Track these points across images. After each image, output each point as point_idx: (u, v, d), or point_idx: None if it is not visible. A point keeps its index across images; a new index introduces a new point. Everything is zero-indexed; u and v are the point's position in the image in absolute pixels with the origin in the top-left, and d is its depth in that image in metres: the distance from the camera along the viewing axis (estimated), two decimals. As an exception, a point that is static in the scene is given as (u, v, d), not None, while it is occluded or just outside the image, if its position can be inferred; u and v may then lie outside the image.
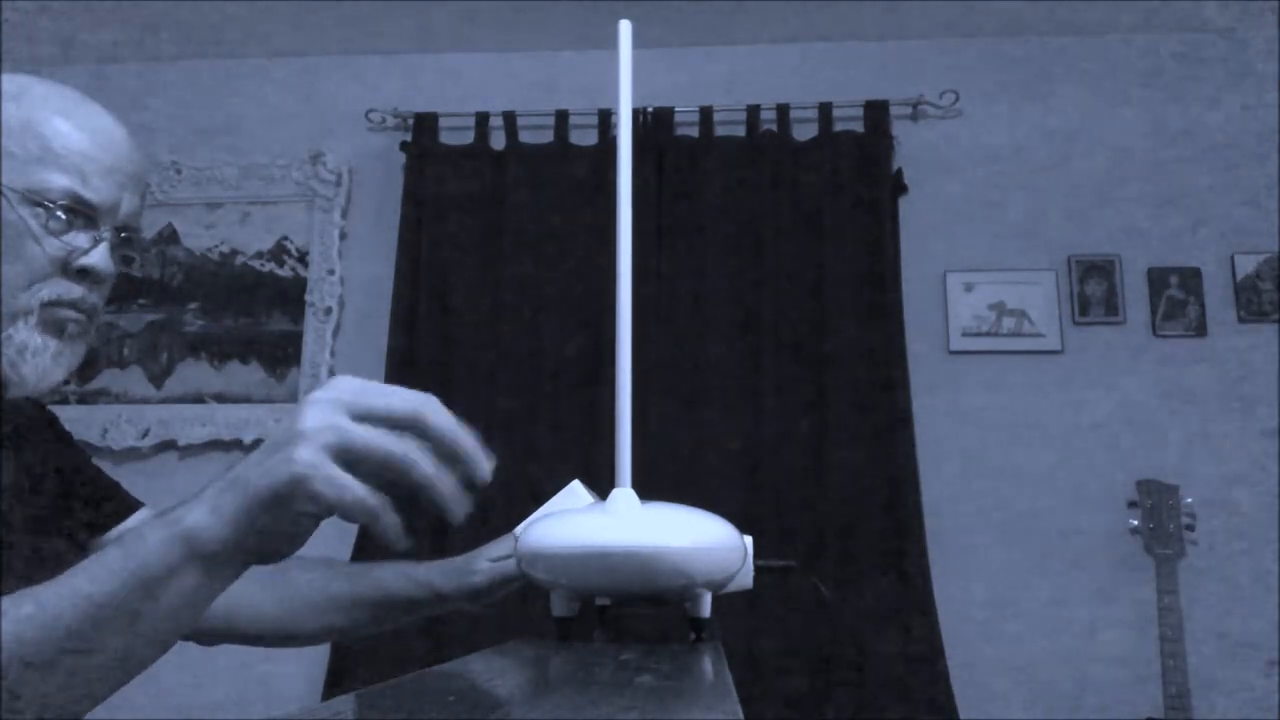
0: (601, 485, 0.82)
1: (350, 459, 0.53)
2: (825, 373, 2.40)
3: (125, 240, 0.85)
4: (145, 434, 2.55)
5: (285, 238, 2.68)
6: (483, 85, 2.72)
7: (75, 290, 0.81)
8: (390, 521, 0.54)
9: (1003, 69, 2.63)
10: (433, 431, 0.55)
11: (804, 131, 2.59)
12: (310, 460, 0.52)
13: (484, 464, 0.56)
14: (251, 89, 2.80)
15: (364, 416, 0.54)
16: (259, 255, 2.68)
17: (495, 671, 0.67)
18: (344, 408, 0.54)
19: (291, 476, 0.52)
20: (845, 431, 2.36)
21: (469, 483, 0.56)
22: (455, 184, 2.60)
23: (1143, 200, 2.51)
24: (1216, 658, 2.21)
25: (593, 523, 0.70)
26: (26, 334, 0.79)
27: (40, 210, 0.78)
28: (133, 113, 0.93)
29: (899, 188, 2.54)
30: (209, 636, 0.98)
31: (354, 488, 0.52)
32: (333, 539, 0.57)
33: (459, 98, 2.69)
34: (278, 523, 0.54)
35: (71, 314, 0.81)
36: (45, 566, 0.81)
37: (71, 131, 0.80)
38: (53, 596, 0.54)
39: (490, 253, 2.56)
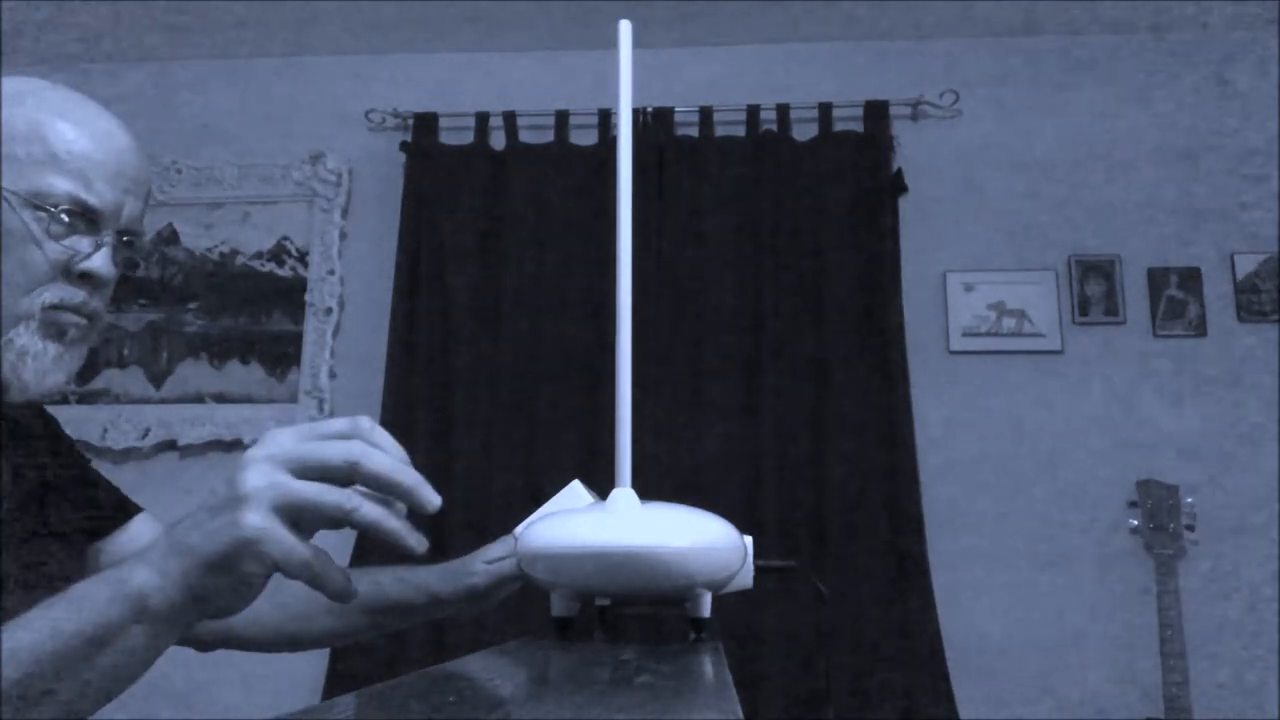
0: (601, 485, 0.82)
1: (294, 516, 0.54)
2: (825, 373, 2.40)
3: (127, 244, 0.85)
4: (145, 434, 2.55)
5: (285, 238, 2.68)
6: (483, 85, 2.72)
7: (77, 294, 0.80)
8: (334, 579, 0.56)
9: (1003, 69, 2.63)
10: (369, 478, 0.56)
11: (804, 131, 2.59)
12: (257, 524, 0.53)
13: (427, 496, 0.57)
14: (251, 89, 2.80)
15: (302, 472, 0.55)
16: (259, 255, 2.68)
17: (495, 671, 0.67)
18: (282, 464, 0.55)
19: (239, 539, 0.53)
20: (845, 431, 2.36)
21: (421, 512, 0.57)
22: (455, 184, 2.60)
23: (1143, 200, 2.51)
24: (1216, 658, 2.21)
25: (593, 523, 0.69)
26: (27, 338, 0.78)
27: (42, 214, 0.77)
28: (132, 113, 0.92)
29: (899, 188, 2.54)
30: (206, 642, 0.98)
31: (299, 549, 0.54)
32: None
33: (459, 98, 2.69)
34: (225, 582, 0.55)
35: (73, 318, 0.80)
36: (44, 571, 0.81)
37: (75, 135, 0.79)
38: None
39: (490, 253, 2.56)
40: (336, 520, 0.55)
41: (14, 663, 0.54)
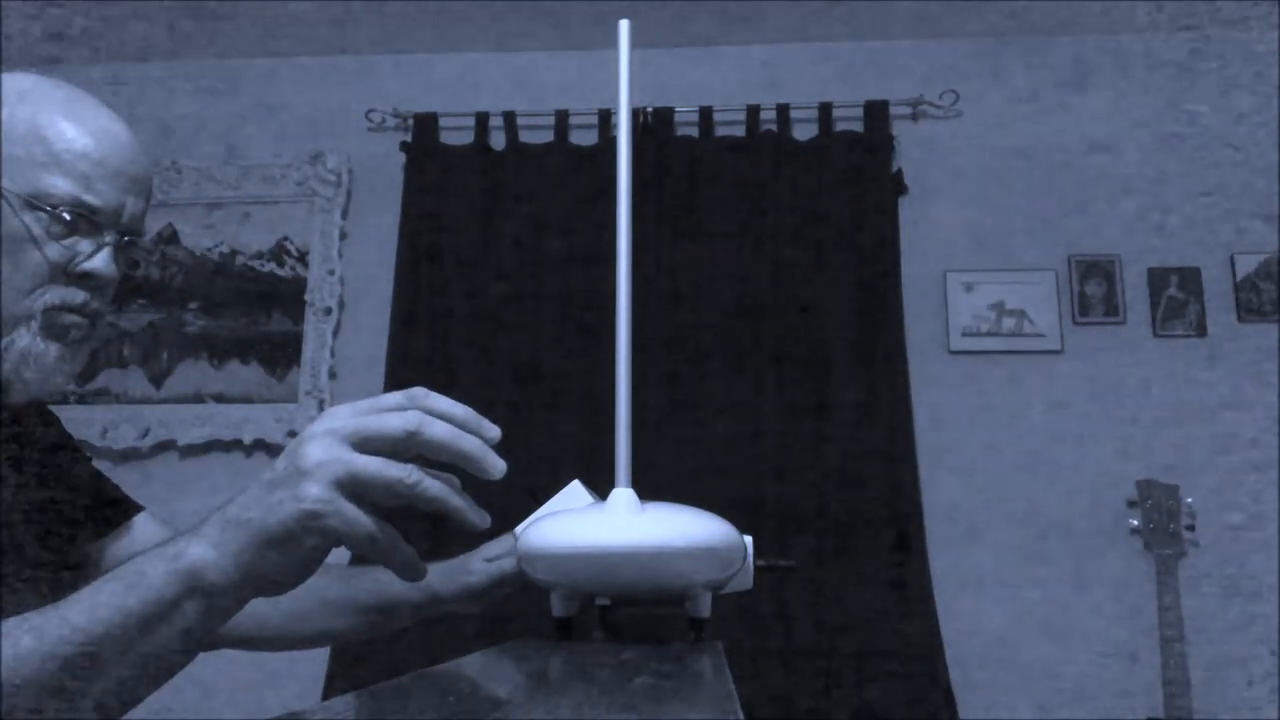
0: (601, 485, 0.82)
1: (357, 490, 0.54)
2: (825, 372, 2.40)
3: (129, 244, 0.84)
4: (145, 434, 2.55)
5: (285, 238, 2.68)
6: (483, 85, 2.72)
7: (78, 295, 0.80)
8: (402, 554, 0.56)
9: (1003, 69, 2.63)
10: (430, 446, 0.55)
11: (804, 131, 2.59)
12: (321, 496, 0.53)
13: (491, 462, 0.57)
14: (251, 89, 2.80)
15: (363, 445, 0.54)
16: (259, 255, 2.68)
17: (495, 671, 0.67)
18: (343, 438, 0.54)
19: (303, 513, 0.53)
20: (845, 431, 2.36)
21: (485, 478, 0.57)
22: (455, 184, 2.61)
23: (1143, 200, 2.51)
24: (1216, 658, 2.21)
25: (593, 523, 0.69)
26: (29, 339, 0.78)
27: (43, 215, 0.77)
28: (133, 113, 0.92)
29: (899, 188, 2.54)
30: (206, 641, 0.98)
31: (365, 522, 0.54)
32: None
33: (459, 98, 2.69)
34: (284, 557, 0.55)
35: (74, 319, 0.80)
36: (46, 571, 0.81)
37: (76, 134, 0.79)
38: (53, 628, 0.54)
39: (490, 252, 2.56)
40: (399, 494, 0.54)
41: (69, 641, 0.53)
